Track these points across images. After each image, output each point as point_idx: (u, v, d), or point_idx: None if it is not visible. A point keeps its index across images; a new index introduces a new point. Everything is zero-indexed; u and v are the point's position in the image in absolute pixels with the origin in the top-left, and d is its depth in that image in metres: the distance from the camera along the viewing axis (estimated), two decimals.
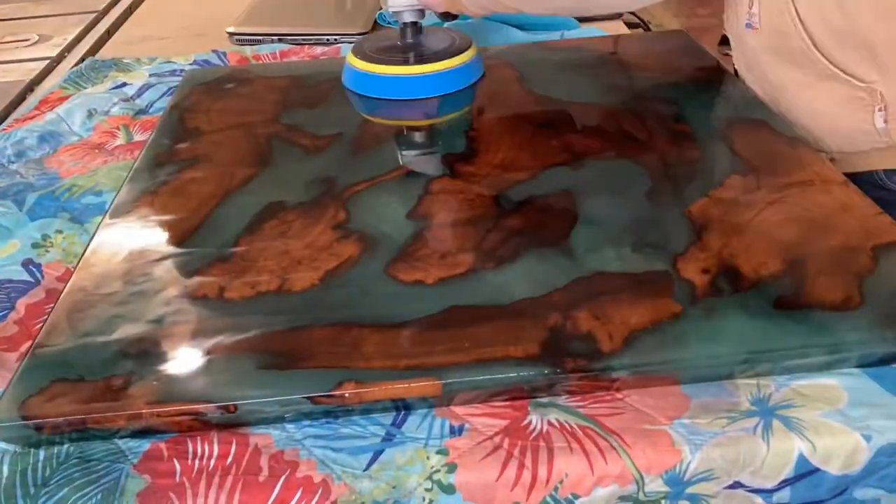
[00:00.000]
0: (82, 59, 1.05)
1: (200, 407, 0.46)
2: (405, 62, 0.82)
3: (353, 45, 0.87)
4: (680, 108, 0.75)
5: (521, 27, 1.02)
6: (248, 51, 1.03)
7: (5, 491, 0.44)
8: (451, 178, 0.67)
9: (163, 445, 0.47)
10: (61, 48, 1.12)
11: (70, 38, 1.15)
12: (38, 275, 0.61)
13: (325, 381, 0.47)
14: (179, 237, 0.61)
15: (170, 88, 0.90)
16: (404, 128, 0.79)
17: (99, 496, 0.44)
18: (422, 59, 0.82)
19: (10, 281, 0.60)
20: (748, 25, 0.74)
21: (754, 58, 0.76)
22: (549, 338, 0.49)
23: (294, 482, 0.44)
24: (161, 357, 0.49)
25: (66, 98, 0.89)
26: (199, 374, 0.48)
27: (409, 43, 0.85)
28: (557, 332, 0.49)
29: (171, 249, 0.59)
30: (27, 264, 0.62)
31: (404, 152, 0.73)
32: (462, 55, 0.83)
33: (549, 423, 0.46)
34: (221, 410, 0.46)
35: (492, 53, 0.90)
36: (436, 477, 0.44)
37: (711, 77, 0.82)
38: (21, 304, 0.58)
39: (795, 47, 0.70)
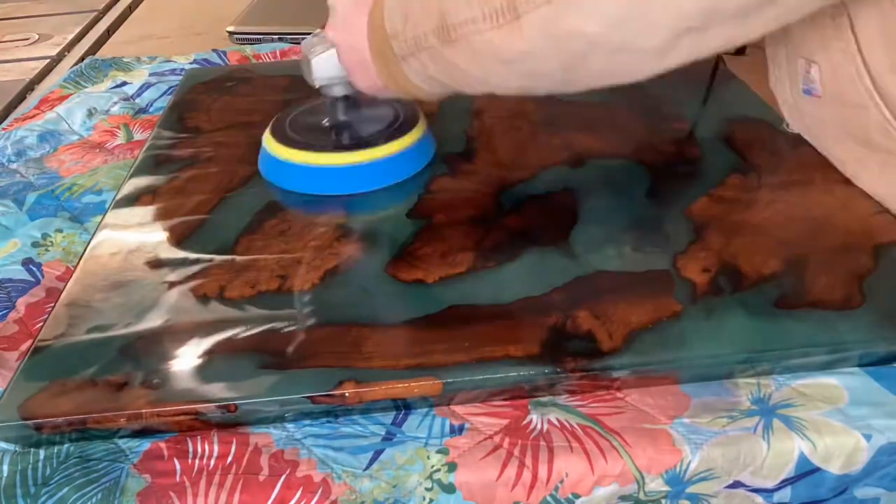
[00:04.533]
0: (82, 59, 1.05)
1: (200, 407, 0.46)
2: (337, 146, 0.66)
3: (272, 120, 0.70)
4: (680, 107, 0.75)
5: None
6: (249, 50, 1.03)
7: (5, 490, 0.44)
8: (451, 177, 0.67)
9: (163, 445, 0.47)
10: (61, 47, 1.12)
11: (70, 37, 1.15)
12: (39, 274, 0.61)
13: (325, 380, 0.46)
14: (179, 236, 0.61)
15: (170, 87, 0.90)
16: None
17: (99, 496, 0.44)
18: (355, 143, 0.66)
19: (10, 280, 0.60)
20: (807, 92, 0.61)
21: (818, 129, 0.64)
22: (549, 337, 0.49)
23: (294, 481, 0.44)
24: (161, 357, 0.49)
25: (66, 97, 0.89)
26: (199, 374, 0.48)
27: (342, 121, 0.68)
28: (557, 332, 0.49)
29: (171, 249, 0.59)
30: (27, 263, 0.62)
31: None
32: (408, 135, 0.67)
33: (550, 423, 0.46)
34: (221, 410, 0.46)
35: None
36: (436, 476, 0.44)
37: (712, 75, 0.82)
38: (21, 303, 0.58)
39: (873, 123, 0.56)
